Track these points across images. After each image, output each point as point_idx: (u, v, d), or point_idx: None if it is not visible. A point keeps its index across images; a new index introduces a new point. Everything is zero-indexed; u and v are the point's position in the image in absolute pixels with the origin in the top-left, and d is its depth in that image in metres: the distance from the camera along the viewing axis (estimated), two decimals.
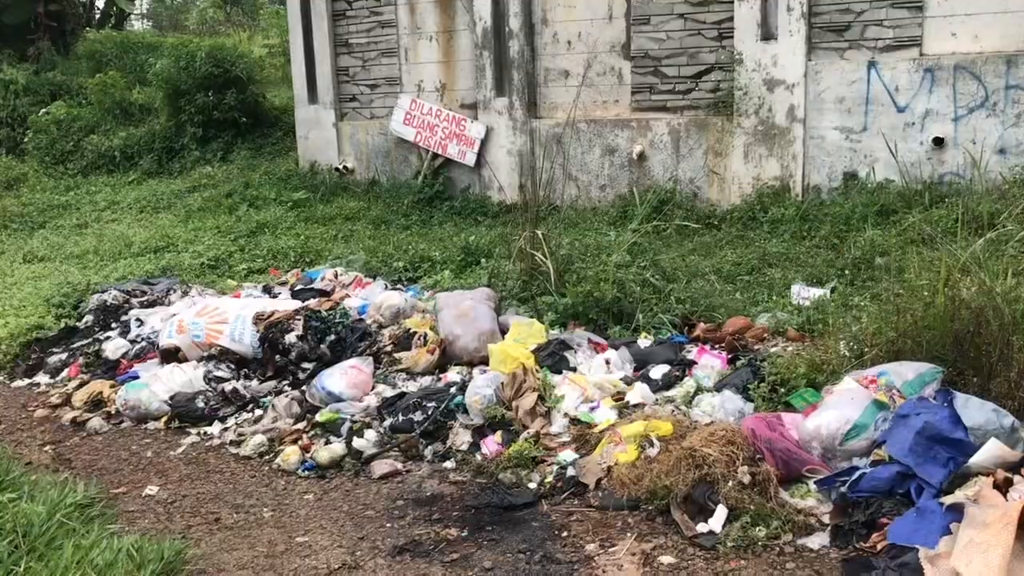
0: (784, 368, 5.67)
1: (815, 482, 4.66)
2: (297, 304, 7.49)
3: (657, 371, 6.00)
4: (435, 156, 12.90)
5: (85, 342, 8.33)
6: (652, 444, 5.07)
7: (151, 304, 8.71)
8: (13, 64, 18.84)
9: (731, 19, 10.57)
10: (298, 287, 8.98)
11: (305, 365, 6.84)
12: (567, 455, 5.37)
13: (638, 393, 5.73)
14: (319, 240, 10.85)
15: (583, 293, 6.87)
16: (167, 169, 15.33)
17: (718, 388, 5.75)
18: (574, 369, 6.15)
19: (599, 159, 11.70)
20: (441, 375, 6.53)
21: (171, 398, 6.77)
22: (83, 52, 18.57)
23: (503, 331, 6.73)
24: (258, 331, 7.09)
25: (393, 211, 12.36)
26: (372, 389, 6.40)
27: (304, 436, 6.02)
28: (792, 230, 9.56)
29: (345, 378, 6.30)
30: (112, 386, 7.32)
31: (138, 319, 8.27)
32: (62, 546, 4.40)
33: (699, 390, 5.79)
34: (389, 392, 6.34)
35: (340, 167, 13.71)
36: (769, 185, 10.52)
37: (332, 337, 6.87)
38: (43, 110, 16.81)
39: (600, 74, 11.69)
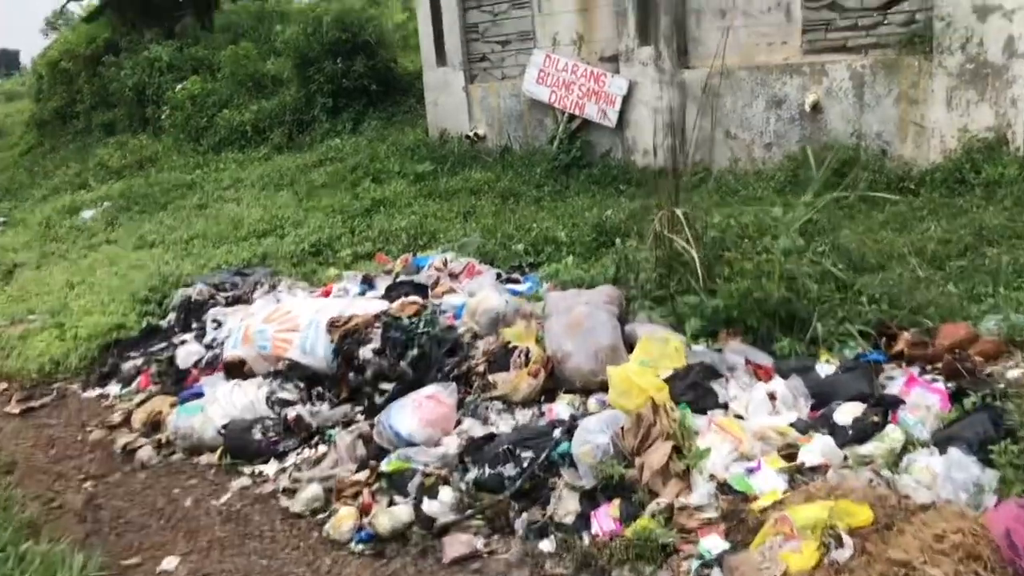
0: None
1: None
2: (383, 305, 5.97)
3: (845, 412, 4.10)
4: (572, 118, 11.15)
5: (162, 346, 7.14)
6: (841, 543, 3.25)
7: (235, 301, 7.43)
8: (159, 42, 18.25)
9: None
10: (400, 277, 7.51)
11: (383, 386, 5.32)
12: (712, 543, 3.60)
13: (818, 449, 3.87)
14: (437, 219, 9.35)
15: (739, 292, 5.01)
16: (297, 143, 14.21)
17: (939, 443, 3.82)
18: (725, 407, 4.34)
19: (763, 113, 9.64)
20: (546, 405, 4.86)
21: (225, 427, 5.41)
22: (220, 25, 17.75)
23: (629, 345, 4.97)
24: (332, 340, 5.62)
25: (524, 182, 10.73)
26: (456, 427, 4.79)
27: (366, 490, 4.50)
28: (1016, 195, 7.32)
29: (419, 413, 4.71)
30: (173, 404, 6.06)
31: (215, 320, 7.00)
32: None
33: (909, 444, 3.87)
34: (477, 430, 4.72)
35: (471, 134, 12.17)
36: (980, 138, 8.22)
37: (415, 351, 5.29)
38: (179, 86, 16.06)
39: (764, 11, 9.59)
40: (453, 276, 7.43)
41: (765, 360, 4.68)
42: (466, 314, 5.59)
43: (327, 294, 7.16)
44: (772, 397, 4.29)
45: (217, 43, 17.63)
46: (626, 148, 10.80)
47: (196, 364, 6.55)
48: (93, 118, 18.46)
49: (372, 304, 5.99)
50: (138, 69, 17.37)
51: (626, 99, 10.62)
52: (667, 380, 4.44)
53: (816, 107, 9.19)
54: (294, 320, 5.86)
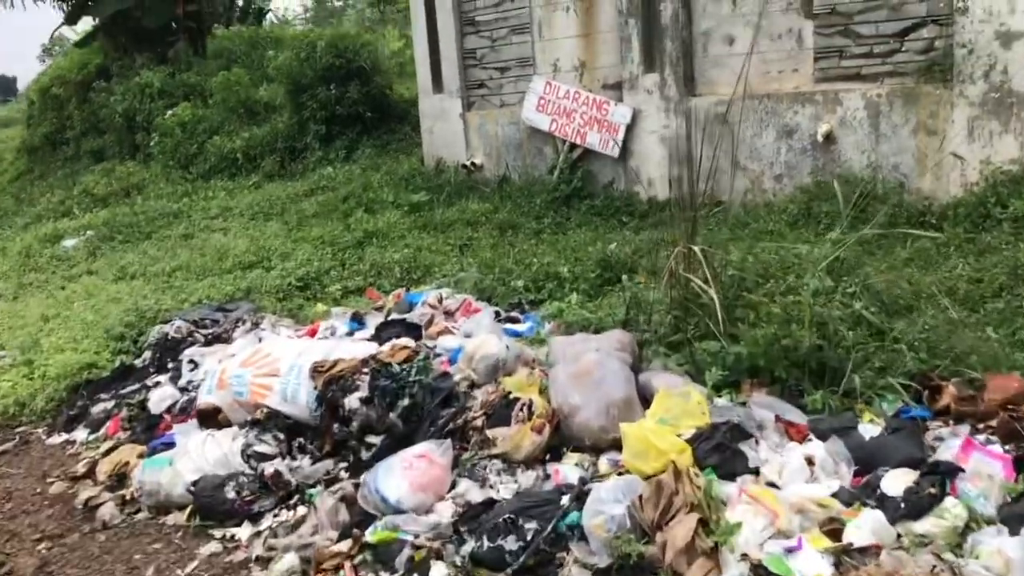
0: None
1: None
2: (372, 348, 5.44)
3: (894, 481, 3.57)
4: (573, 147, 10.69)
5: (135, 388, 6.60)
6: None
7: (215, 339, 6.91)
8: (151, 67, 17.83)
9: None
10: (392, 315, 7.00)
11: (370, 439, 4.78)
12: None
13: (867, 526, 3.34)
14: (432, 252, 8.85)
15: (765, 339, 4.50)
16: (288, 171, 13.73)
17: (1007, 520, 3.30)
18: (756, 472, 3.81)
19: (773, 143, 9.19)
20: (552, 466, 4.32)
21: (195, 483, 4.86)
22: (212, 51, 17.32)
23: (643, 397, 4.45)
24: (316, 387, 5.10)
25: (523, 213, 10.25)
26: (450, 490, 4.25)
27: (347, 563, 3.95)
28: None
29: (409, 476, 4.16)
30: (141, 454, 5.51)
31: (192, 361, 6.46)
32: None
33: (972, 521, 3.35)
34: (474, 493, 4.18)
35: (468, 163, 11.71)
36: (1004, 171, 7.76)
37: (405, 402, 4.76)
38: (169, 112, 15.60)
39: (774, 38, 9.16)
40: (448, 314, 6.93)
41: (797, 417, 4.16)
42: (463, 360, 5.05)
43: (313, 333, 6.64)
44: (810, 462, 3.77)
45: (209, 69, 17.21)
46: (630, 179, 10.33)
47: (169, 409, 6.02)
48: (82, 144, 17.98)
49: (360, 347, 5.46)
50: (129, 95, 16.92)
51: (630, 128, 10.17)
52: (689, 440, 3.92)
53: (829, 137, 8.74)
54: (274, 364, 5.33)
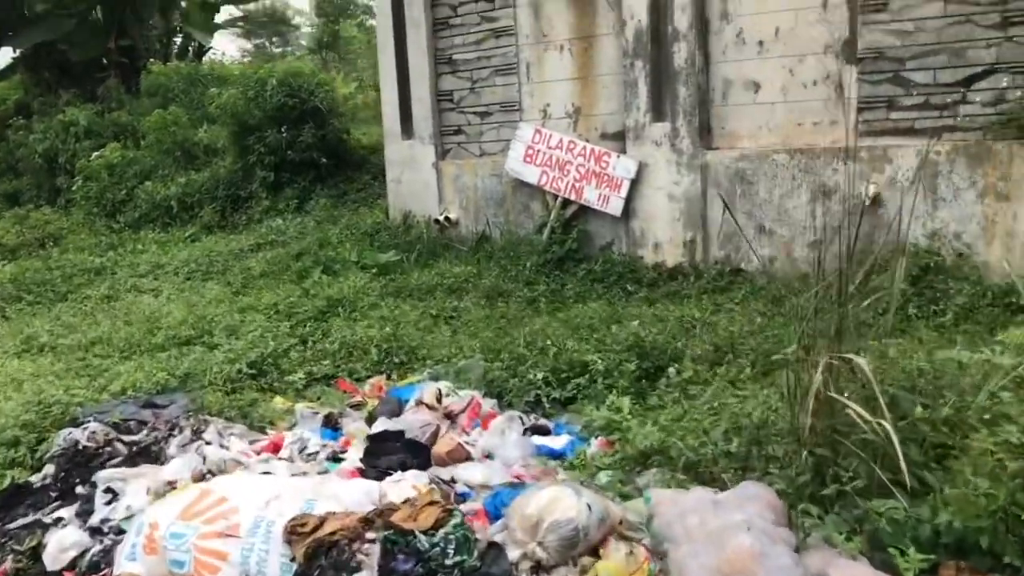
0: None
1: None
2: (373, 491, 3.72)
3: None
4: (566, 203, 9.16)
5: (27, 521, 4.72)
6: None
7: (142, 452, 5.08)
8: (77, 104, 15.86)
9: None
10: (378, 418, 5.29)
11: None
12: None
13: None
14: (413, 327, 7.16)
15: (983, 503, 2.95)
16: (230, 222, 11.93)
17: None
18: None
19: (807, 204, 7.78)
20: None
21: None
22: (146, 88, 15.42)
23: None
24: (296, 560, 3.36)
25: (511, 278, 8.67)
26: None
27: None
28: None
29: None
30: None
31: (108, 489, 4.63)
32: None
33: None
34: None
35: (441, 218, 10.08)
36: None
37: None
38: (96, 153, 13.64)
39: (808, 85, 7.80)
40: (450, 418, 5.25)
41: None
42: (517, 521, 3.35)
43: (276, 448, 4.89)
44: None
45: (143, 108, 15.31)
46: (632, 241, 8.82)
47: (73, 565, 4.19)
48: None
49: (355, 489, 3.73)
50: (50, 133, 14.90)
51: (634, 183, 8.69)
52: None
53: (877, 200, 7.37)
54: (231, 517, 3.57)
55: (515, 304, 7.97)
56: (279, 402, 5.86)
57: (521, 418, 5.06)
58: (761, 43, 8.00)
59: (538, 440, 4.76)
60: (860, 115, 7.56)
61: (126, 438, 5.25)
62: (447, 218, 10.07)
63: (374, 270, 8.93)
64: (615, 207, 8.79)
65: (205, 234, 11.64)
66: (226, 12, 22.60)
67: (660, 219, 8.59)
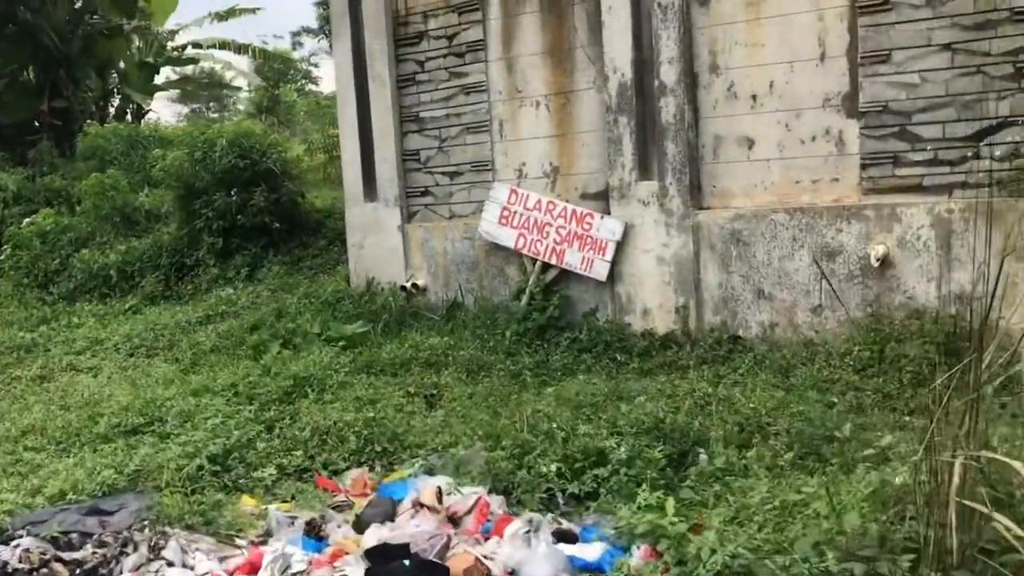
0: None
1: None
2: None
3: None
4: (546, 267, 8.53)
5: None
6: None
7: (88, 575, 4.21)
8: (7, 168, 14.87)
9: None
10: (369, 524, 4.50)
11: None
12: None
13: None
14: (392, 408, 6.38)
15: None
16: (175, 292, 11.02)
17: None
18: None
19: (808, 267, 7.27)
20: None
21: None
22: (83, 151, 14.48)
23: None
24: None
25: (490, 349, 7.97)
26: None
27: None
28: None
29: None
30: None
31: None
32: None
33: None
34: None
35: (408, 285, 9.36)
36: None
37: None
38: (27, 220, 12.65)
39: (807, 139, 7.36)
40: (453, 521, 4.49)
41: None
42: None
43: (254, 569, 4.05)
44: None
45: (78, 171, 14.35)
46: (619, 307, 8.20)
47: None
48: None
49: None
50: None
51: (620, 246, 8.10)
52: None
53: (885, 261, 6.88)
54: None
55: (498, 378, 7.27)
56: (248, 503, 5.02)
57: (540, 522, 4.31)
58: (754, 97, 7.55)
59: (566, 549, 4.01)
60: (864, 172, 7.12)
61: (67, 556, 4.37)
62: (415, 285, 9.35)
63: (341, 343, 8.13)
64: (600, 271, 8.18)
65: (148, 305, 10.70)
66: (164, 75, 21.87)
67: (649, 283, 8.00)
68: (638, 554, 3.85)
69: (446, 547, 3.99)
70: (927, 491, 2.96)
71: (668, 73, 7.75)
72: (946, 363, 6.09)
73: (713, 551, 3.36)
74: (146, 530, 4.48)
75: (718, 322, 7.73)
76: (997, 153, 6.51)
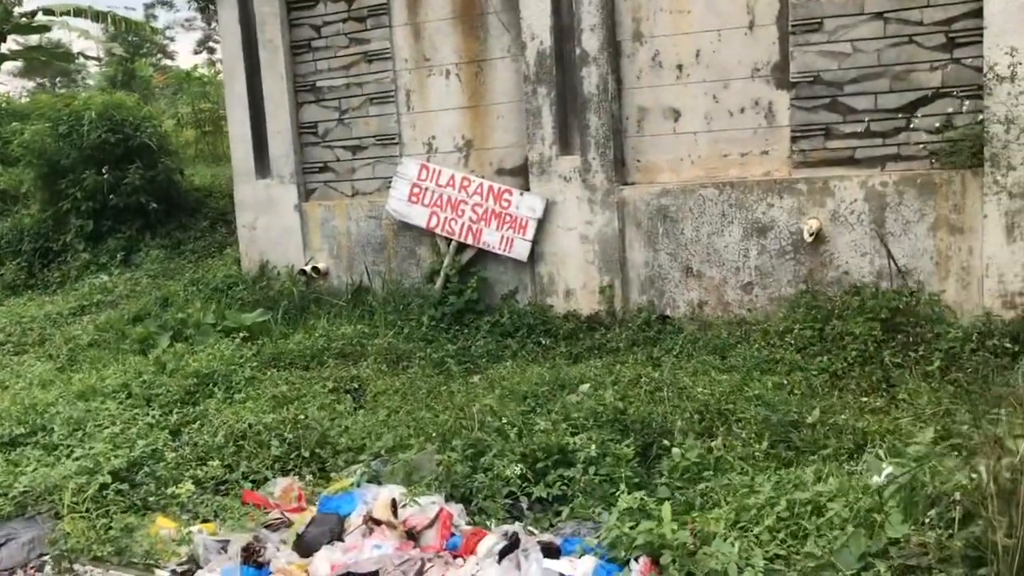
0: None
1: None
2: None
3: None
4: (462, 247, 7.99)
5: None
6: None
7: None
8: None
9: (973, 13, 6.16)
10: (313, 540, 3.90)
11: None
12: None
13: None
14: (316, 405, 5.73)
15: None
16: (40, 280, 9.90)
17: None
18: None
19: (739, 243, 7.01)
20: None
21: None
22: None
23: None
24: None
25: (407, 337, 7.41)
26: None
27: None
28: None
29: None
30: None
31: None
32: None
33: None
34: None
35: (308, 268, 8.63)
36: None
37: None
38: None
39: (736, 111, 7.08)
40: (411, 536, 3.95)
41: None
42: None
43: None
44: None
45: None
46: (540, 288, 7.76)
47: None
48: None
49: None
50: None
51: (541, 223, 7.65)
52: None
53: (819, 236, 6.69)
54: None
55: (420, 368, 6.72)
56: (165, 525, 4.31)
57: (514, 534, 3.81)
58: (680, 67, 7.21)
59: (554, 566, 3.54)
60: (795, 144, 6.90)
61: None
62: (315, 268, 8.63)
63: (240, 334, 7.37)
64: (520, 251, 7.71)
65: (9, 296, 9.56)
66: (7, 46, 19.88)
67: (572, 263, 7.59)
68: (637, 568, 3.42)
69: (420, 572, 3.46)
70: (992, 492, 2.63)
71: (590, 41, 7.31)
72: (885, 339, 6.02)
73: (740, 569, 2.96)
74: (48, 565, 3.73)
75: (645, 302, 7.40)
76: (936, 125, 6.36)
